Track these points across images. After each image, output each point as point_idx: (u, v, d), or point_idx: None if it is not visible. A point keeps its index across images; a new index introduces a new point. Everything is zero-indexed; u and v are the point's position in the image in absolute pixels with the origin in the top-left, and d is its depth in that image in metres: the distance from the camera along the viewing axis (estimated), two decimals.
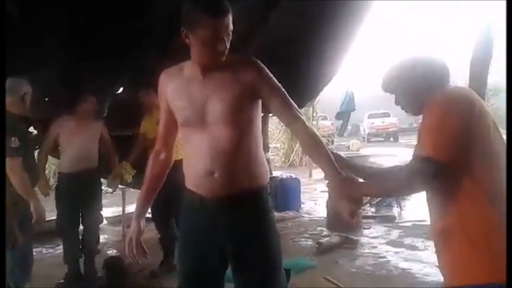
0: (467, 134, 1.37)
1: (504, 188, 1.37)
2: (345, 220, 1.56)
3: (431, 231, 1.55)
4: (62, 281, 3.81)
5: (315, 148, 1.68)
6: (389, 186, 1.58)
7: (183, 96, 1.73)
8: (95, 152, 3.90)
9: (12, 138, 2.67)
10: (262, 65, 1.74)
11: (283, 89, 1.74)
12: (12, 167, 2.68)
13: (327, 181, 1.60)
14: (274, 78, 1.74)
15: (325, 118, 18.44)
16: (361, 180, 1.68)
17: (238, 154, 1.72)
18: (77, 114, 3.80)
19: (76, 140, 3.77)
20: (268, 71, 1.73)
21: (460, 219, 1.40)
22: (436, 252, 1.54)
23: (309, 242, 4.89)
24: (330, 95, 16.20)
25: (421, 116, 1.49)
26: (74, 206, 3.79)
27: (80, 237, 3.91)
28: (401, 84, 1.56)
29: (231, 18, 1.59)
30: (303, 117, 1.75)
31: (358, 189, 1.57)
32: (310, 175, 9.47)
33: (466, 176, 1.38)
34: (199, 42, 1.60)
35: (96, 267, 3.93)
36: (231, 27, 1.61)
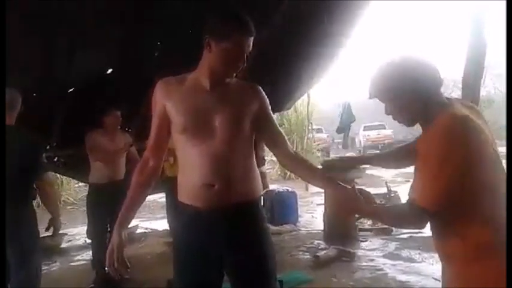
0: (467, 172, 1.30)
1: (504, 212, 1.34)
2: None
3: (435, 247, 1.53)
4: (92, 285, 3.98)
5: (316, 174, 1.81)
6: (391, 219, 1.58)
7: (186, 104, 1.74)
8: (122, 164, 4.10)
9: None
10: (265, 94, 1.86)
11: None
12: (46, 182, 2.73)
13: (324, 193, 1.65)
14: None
15: (320, 131, 18.52)
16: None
17: (237, 166, 1.74)
18: (104, 128, 4.02)
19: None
20: (268, 103, 1.86)
21: (460, 241, 1.38)
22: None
23: (306, 256, 4.86)
24: (325, 108, 16.35)
25: (417, 128, 1.46)
26: (102, 214, 3.95)
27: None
28: (390, 88, 1.37)
29: (252, 40, 1.71)
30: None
31: (364, 207, 1.52)
32: (307, 188, 9.43)
33: (466, 206, 1.34)
34: (221, 52, 1.67)
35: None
36: (251, 48, 1.71)
